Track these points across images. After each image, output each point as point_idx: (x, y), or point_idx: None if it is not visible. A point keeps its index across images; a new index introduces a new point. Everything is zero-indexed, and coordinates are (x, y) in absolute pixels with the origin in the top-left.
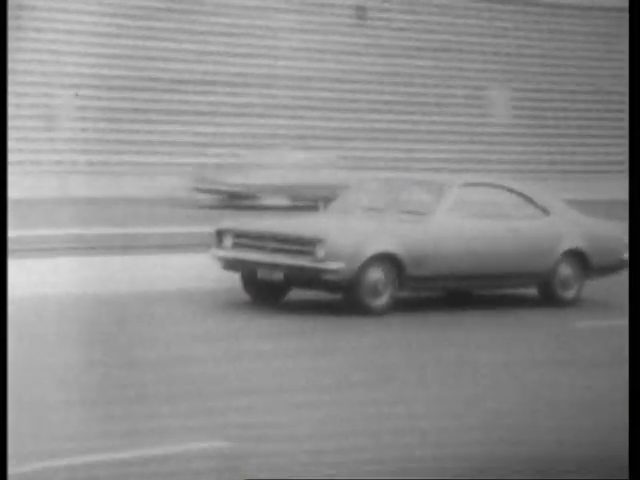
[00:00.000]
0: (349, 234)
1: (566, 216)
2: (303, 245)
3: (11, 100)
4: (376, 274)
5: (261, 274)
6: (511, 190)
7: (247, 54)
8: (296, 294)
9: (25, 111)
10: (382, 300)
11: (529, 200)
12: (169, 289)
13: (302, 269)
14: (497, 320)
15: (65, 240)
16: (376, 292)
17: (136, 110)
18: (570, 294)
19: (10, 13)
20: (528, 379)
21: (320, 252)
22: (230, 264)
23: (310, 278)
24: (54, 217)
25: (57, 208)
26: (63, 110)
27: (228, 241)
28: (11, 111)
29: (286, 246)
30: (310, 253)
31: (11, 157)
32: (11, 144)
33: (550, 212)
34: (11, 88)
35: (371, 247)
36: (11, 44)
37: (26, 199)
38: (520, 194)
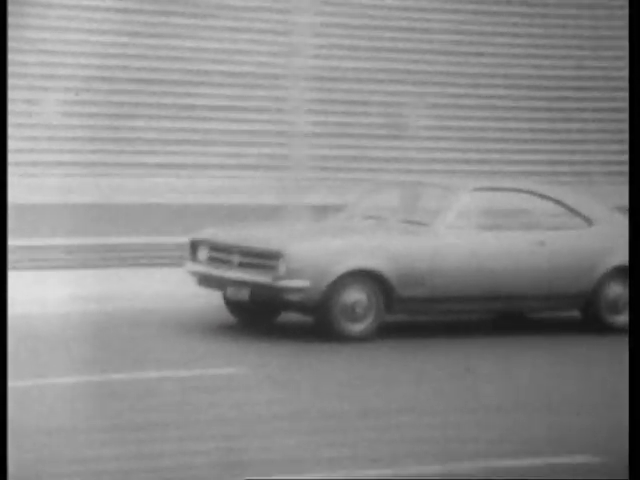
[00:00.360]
0: (316, 247)
1: (615, 226)
2: (266, 260)
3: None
4: (353, 295)
5: (229, 293)
6: (542, 196)
7: (250, 52)
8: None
9: (24, 111)
10: (362, 325)
11: (566, 207)
12: (158, 307)
13: (264, 288)
14: (521, 348)
15: (64, 251)
16: (353, 315)
17: (138, 108)
18: (622, 319)
19: (10, 8)
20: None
21: (281, 268)
22: (205, 280)
23: (273, 298)
24: (52, 225)
25: (56, 214)
26: (63, 110)
27: (203, 254)
28: (11, 111)
29: (252, 260)
30: (273, 269)
31: (10, 158)
32: (10, 144)
33: (594, 221)
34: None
35: (344, 263)
36: (11, 44)
37: (20, 204)
38: (554, 200)
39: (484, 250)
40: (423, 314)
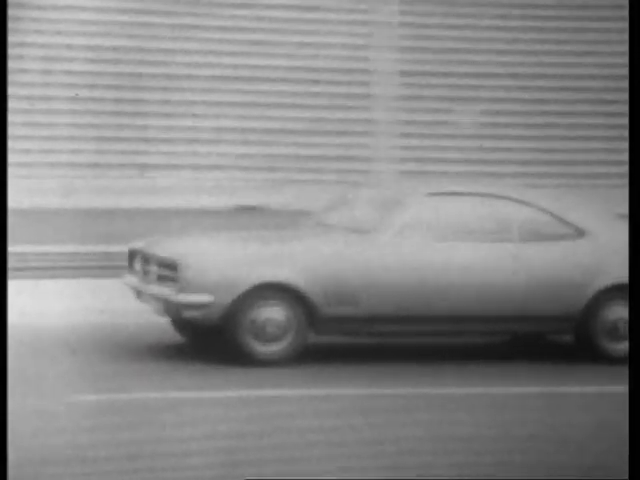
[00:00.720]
0: (219, 257)
1: (614, 237)
2: (170, 271)
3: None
4: (264, 312)
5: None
6: (521, 202)
7: (253, 51)
8: None
9: (24, 115)
10: (276, 347)
11: (552, 215)
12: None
13: (167, 303)
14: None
15: (65, 259)
16: (265, 336)
17: (140, 109)
18: (622, 347)
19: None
20: None
21: (182, 280)
22: (138, 294)
23: (174, 314)
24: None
25: (57, 220)
26: (63, 111)
27: (138, 265)
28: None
29: (162, 272)
30: (175, 282)
31: (10, 158)
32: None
33: (587, 232)
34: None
35: (252, 275)
36: (11, 45)
37: (20, 209)
38: (537, 207)
39: (436, 264)
40: (357, 336)
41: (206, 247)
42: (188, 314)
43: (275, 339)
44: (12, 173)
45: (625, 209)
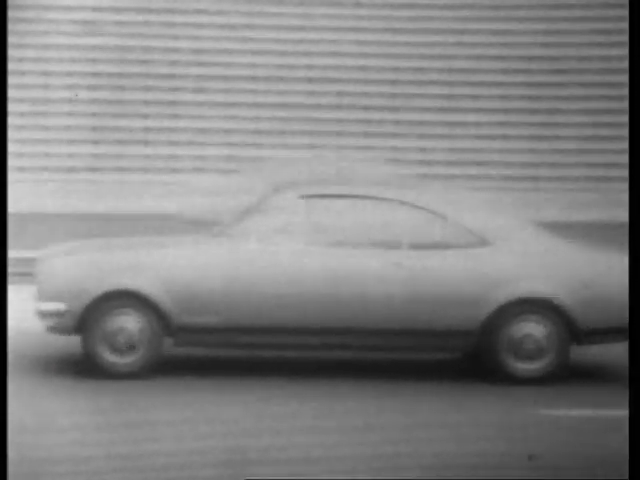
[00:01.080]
0: (71, 264)
1: (522, 247)
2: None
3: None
4: (117, 321)
5: None
6: (412, 205)
7: (255, 50)
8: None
9: (24, 110)
10: (130, 358)
11: (448, 221)
12: None
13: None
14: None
15: None
16: (118, 346)
17: (142, 108)
18: (532, 367)
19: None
20: None
21: (37, 288)
22: None
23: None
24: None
25: (57, 224)
26: (63, 111)
27: None
28: (11, 111)
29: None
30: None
31: (11, 163)
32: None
33: (490, 240)
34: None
35: (102, 283)
36: (11, 45)
37: (20, 213)
38: (431, 212)
39: (306, 272)
40: (221, 347)
41: (62, 253)
42: (47, 323)
43: (129, 350)
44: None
45: (545, 214)
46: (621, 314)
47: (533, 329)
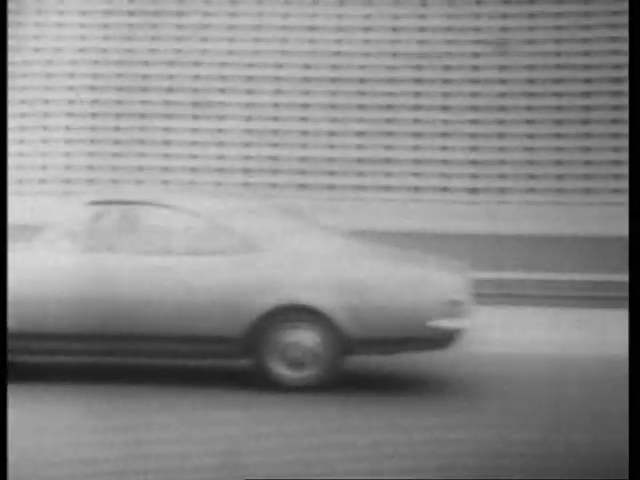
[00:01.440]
0: None
1: (297, 254)
2: None
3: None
4: None
5: None
6: (188, 212)
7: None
8: None
9: (25, 114)
10: None
11: (220, 228)
12: None
13: None
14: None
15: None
16: None
17: (145, 112)
18: (301, 375)
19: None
20: None
21: None
22: None
23: None
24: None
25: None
26: (63, 113)
27: None
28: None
29: None
30: None
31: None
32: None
33: (259, 247)
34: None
35: None
36: (11, 45)
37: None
38: (205, 218)
39: (85, 277)
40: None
41: None
42: None
43: None
44: None
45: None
46: (394, 325)
47: (300, 337)
